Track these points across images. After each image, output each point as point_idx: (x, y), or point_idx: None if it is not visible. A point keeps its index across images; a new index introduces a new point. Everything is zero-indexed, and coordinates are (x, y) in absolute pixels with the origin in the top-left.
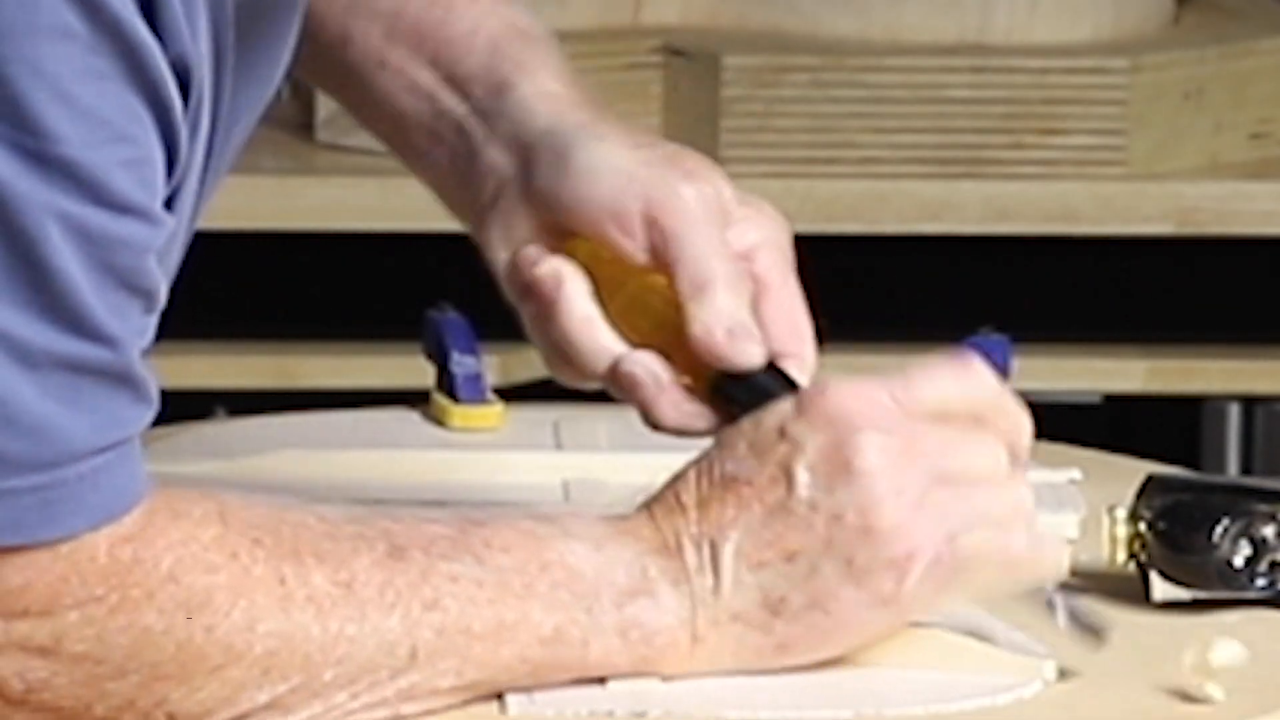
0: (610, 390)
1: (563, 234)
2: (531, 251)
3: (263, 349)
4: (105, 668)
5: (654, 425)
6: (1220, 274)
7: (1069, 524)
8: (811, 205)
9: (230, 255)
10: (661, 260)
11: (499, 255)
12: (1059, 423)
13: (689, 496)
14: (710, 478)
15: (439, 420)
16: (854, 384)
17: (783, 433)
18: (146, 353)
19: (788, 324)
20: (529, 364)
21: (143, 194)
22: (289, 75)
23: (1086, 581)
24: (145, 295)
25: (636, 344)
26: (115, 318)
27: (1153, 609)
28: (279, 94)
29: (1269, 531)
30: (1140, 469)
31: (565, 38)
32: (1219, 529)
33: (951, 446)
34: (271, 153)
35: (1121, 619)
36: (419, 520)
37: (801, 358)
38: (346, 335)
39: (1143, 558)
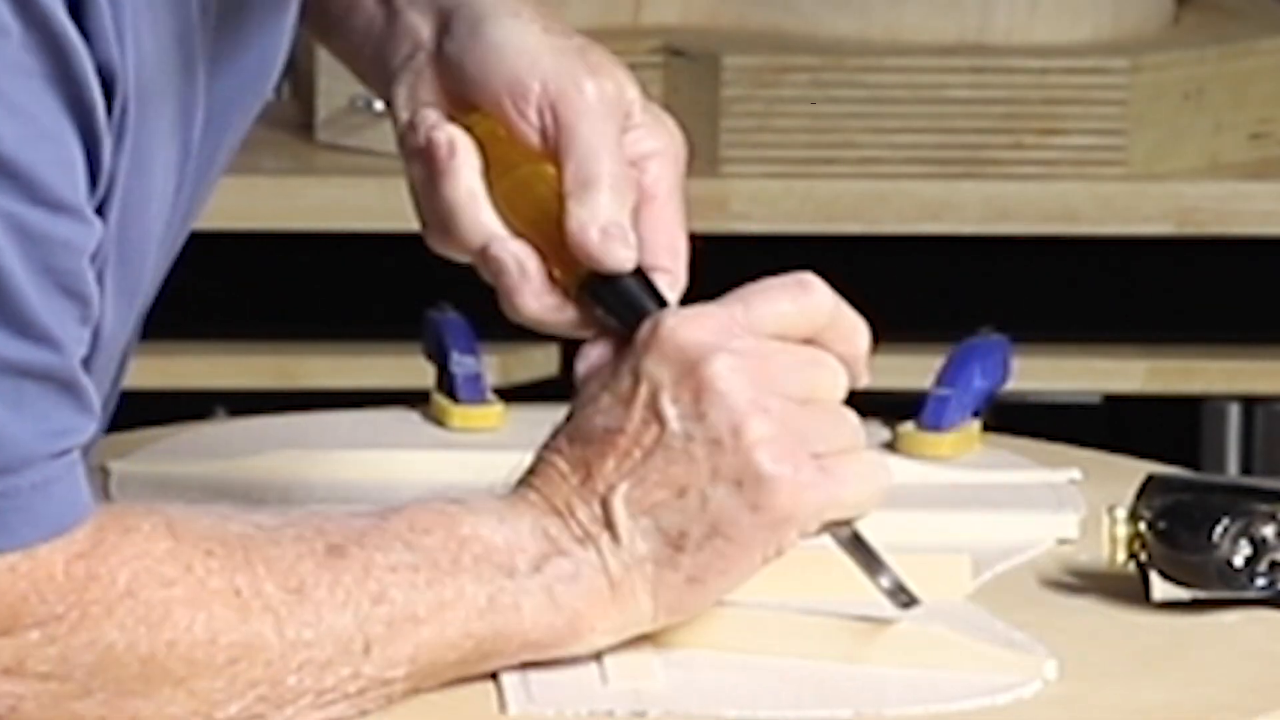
0: (479, 270)
1: (465, 106)
2: (431, 115)
3: (263, 349)
4: (71, 686)
5: (513, 314)
6: (1220, 274)
7: (1069, 524)
8: (811, 205)
9: (230, 255)
10: (553, 149)
11: (401, 115)
12: (1059, 423)
13: (565, 463)
14: (582, 438)
15: (439, 420)
16: (694, 312)
17: (637, 374)
18: (87, 365)
19: (665, 238)
20: (529, 364)
21: (74, 194)
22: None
23: (1086, 581)
24: (82, 302)
25: (517, 229)
26: (56, 322)
27: (1153, 609)
28: (279, 94)
29: (1269, 531)
30: (1140, 469)
31: None
32: (1219, 529)
33: (799, 368)
34: (271, 153)
35: (1121, 619)
36: (346, 516)
37: (674, 274)
38: (346, 335)
39: (1143, 558)
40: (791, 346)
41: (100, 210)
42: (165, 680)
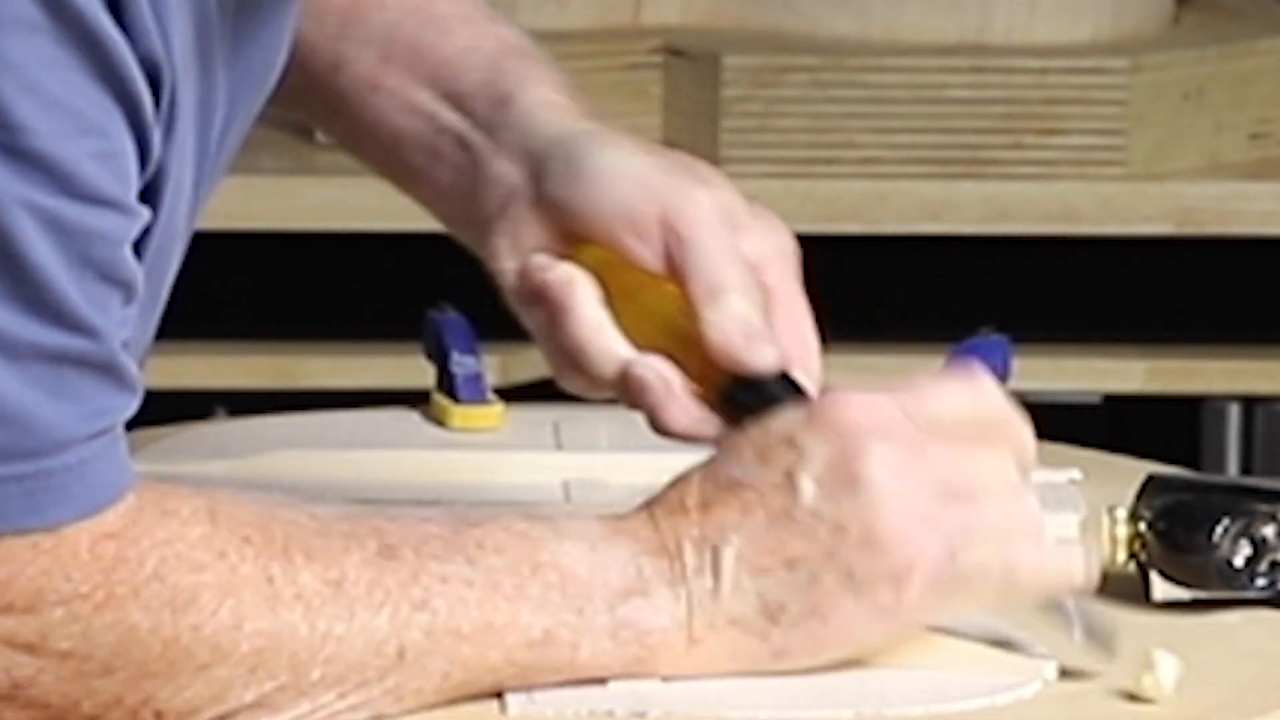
0: (619, 396)
1: (572, 242)
2: (542, 259)
3: (263, 349)
4: (91, 665)
5: (662, 430)
6: (1220, 274)
7: (1069, 524)
8: (811, 205)
9: (230, 255)
10: (675, 267)
11: (506, 265)
12: (1059, 423)
13: (692, 498)
14: (714, 481)
15: (439, 420)
16: (864, 395)
17: (790, 441)
18: (128, 344)
19: (796, 335)
20: (529, 364)
21: (115, 186)
22: (274, 99)
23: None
24: (123, 286)
25: (647, 352)
26: (95, 309)
27: (1153, 609)
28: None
29: (1269, 531)
30: (1140, 469)
31: (565, 38)
32: (1219, 529)
33: (959, 461)
34: (271, 153)
35: (1121, 619)
36: (414, 520)
37: (809, 369)
38: (346, 335)
39: (1143, 558)
40: (953, 440)
41: (152, 199)
42: (187, 665)
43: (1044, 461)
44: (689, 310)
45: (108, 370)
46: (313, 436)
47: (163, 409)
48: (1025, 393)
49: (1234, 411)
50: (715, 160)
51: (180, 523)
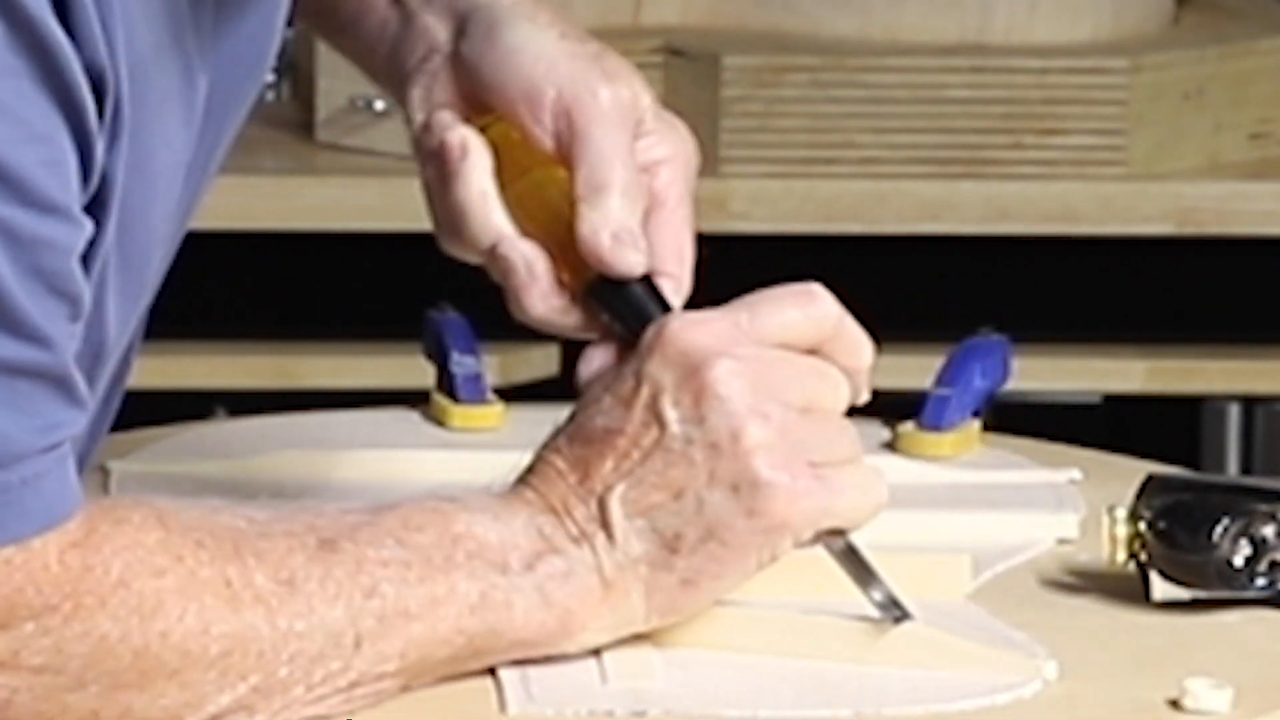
0: (488, 270)
1: (480, 108)
2: (445, 116)
3: (263, 349)
4: (64, 679)
5: (520, 314)
6: (1220, 274)
7: (1069, 524)
8: (811, 205)
9: (230, 255)
10: (566, 154)
11: (416, 116)
12: (1059, 423)
13: (564, 462)
14: (582, 439)
15: (439, 420)
16: (699, 317)
17: (639, 377)
18: (76, 362)
19: (673, 244)
20: (529, 364)
21: (63, 195)
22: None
23: (1086, 581)
24: (71, 301)
25: (527, 231)
26: (47, 320)
27: (1153, 609)
28: (279, 94)
29: (1269, 531)
30: (1140, 469)
31: None
32: (1219, 529)
33: (800, 377)
34: (271, 153)
35: (1121, 619)
36: (338, 511)
37: (679, 280)
38: (346, 335)
39: (1143, 557)
40: (794, 356)
41: (97, 211)
42: (159, 672)
43: (1044, 461)
44: (574, 198)
45: (60, 384)
46: (313, 436)
47: (163, 409)
48: (1025, 393)
49: (1234, 411)
50: (715, 160)
51: (134, 529)
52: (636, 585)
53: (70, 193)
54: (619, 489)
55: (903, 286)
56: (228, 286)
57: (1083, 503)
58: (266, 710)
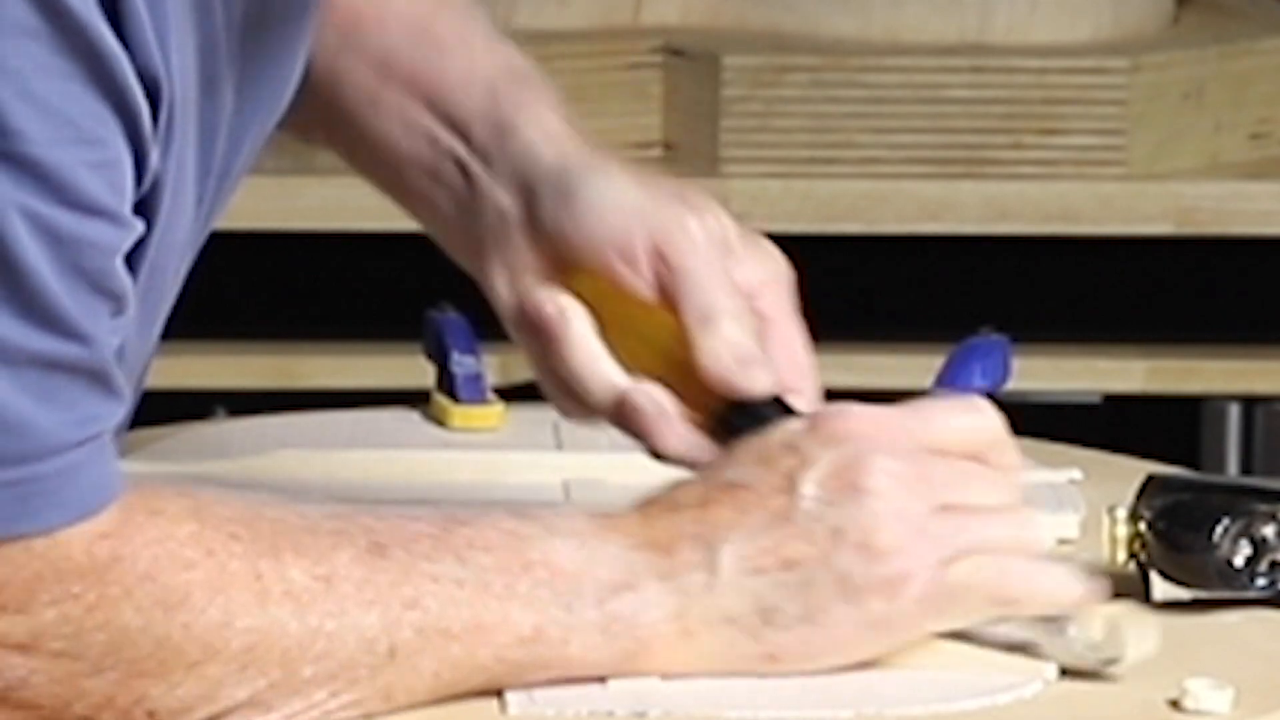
0: (615, 425)
1: (567, 271)
2: (537, 289)
3: (263, 349)
4: (83, 665)
5: (659, 455)
6: (1220, 274)
7: (1069, 524)
8: (811, 205)
9: (230, 255)
10: (667, 294)
11: (502, 293)
12: (1059, 423)
13: (688, 497)
14: (713, 482)
15: (439, 420)
16: (868, 408)
17: (792, 447)
18: (119, 355)
19: (792, 360)
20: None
21: (110, 196)
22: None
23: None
24: (114, 298)
25: (643, 380)
26: (87, 317)
27: (1153, 609)
28: None
29: (1269, 531)
30: (1140, 469)
31: (565, 38)
32: (1219, 529)
33: (960, 478)
34: (271, 153)
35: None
36: (403, 518)
37: (805, 393)
38: (346, 335)
39: (1143, 558)
40: (954, 459)
41: (146, 213)
42: (178, 663)
43: (1044, 461)
44: (683, 338)
45: (98, 378)
46: (313, 436)
47: (163, 409)
48: (1025, 393)
49: (1234, 411)
50: (715, 160)
51: (168, 521)
52: (717, 646)
53: (121, 194)
54: (733, 539)
55: (903, 286)
56: (228, 286)
57: (1083, 503)
58: (285, 709)
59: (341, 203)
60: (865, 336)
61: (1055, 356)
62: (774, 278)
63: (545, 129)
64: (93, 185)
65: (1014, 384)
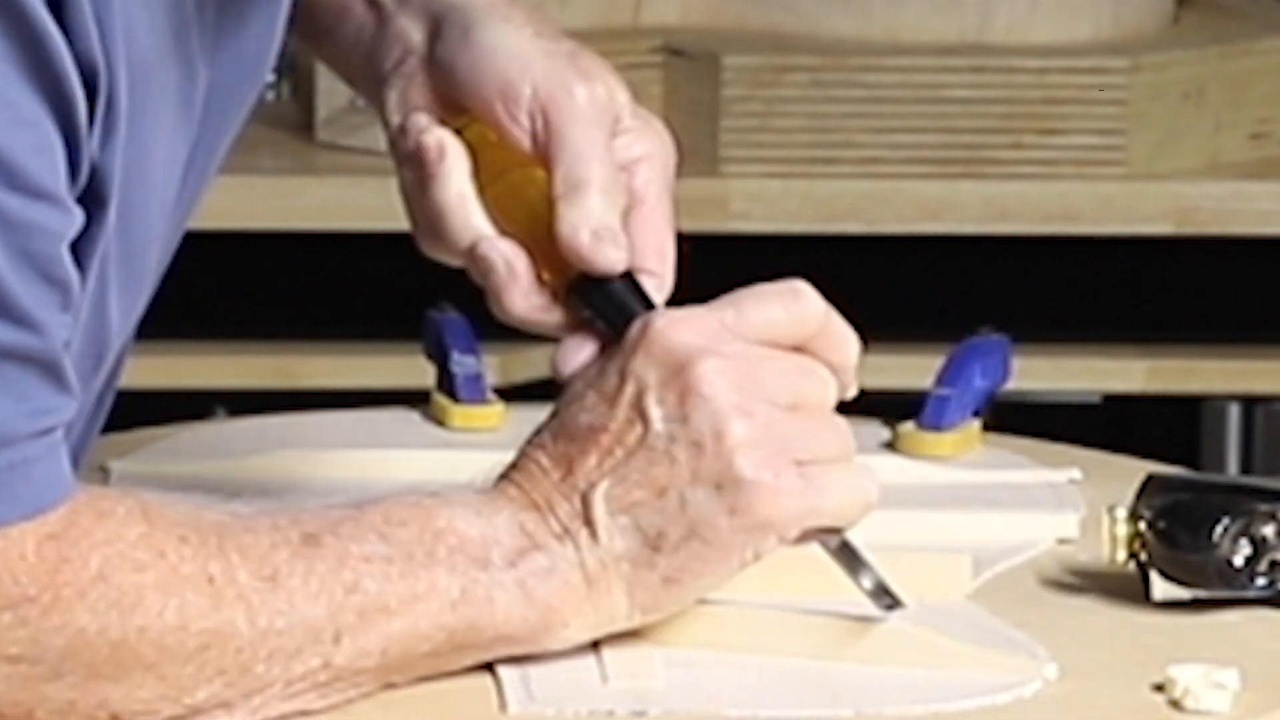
0: (469, 271)
1: (456, 110)
2: (421, 119)
3: (263, 349)
4: (41, 669)
5: (501, 313)
6: (1220, 274)
7: (1069, 524)
8: (811, 205)
9: (230, 255)
10: (543, 153)
11: (392, 119)
12: (1059, 423)
13: (547, 458)
14: (566, 435)
15: (439, 420)
16: (683, 314)
17: (623, 374)
18: (67, 347)
19: (654, 242)
20: (529, 364)
21: (53, 181)
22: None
23: (1086, 581)
24: (62, 287)
25: (507, 232)
26: (37, 305)
27: (1153, 608)
28: (278, 94)
29: (1269, 531)
30: (1140, 469)
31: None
32: (1219, 528)
33: (786, 375)
34: (271, 153)
35: (1121, 619)
36: (321, 507)
37: (661, 277)
38: (346, 335)
39: (1143, 557)
40: (780, 353)
41: (94, 205)
42: (136, 665)
43: (1044, 461)
44: (552, 198)
45: (50, 370)
46: (313, 436)
47: (163, 409)
48: (1025, 393)
49: (1234, 411)
50: (715, 160)
51: (117, 523)
52: (619, 583)
53: (59, 180)
54: (602, 486)
55: (903, 286)
56: (228, 286)
57: (1083, 503)
58: (244, 706)
59: (341, 203)
60: (865, 336)
61: (1055, 356)
62: (654, 155)
63: None
64: (37, 169)
65: (1014, 384)
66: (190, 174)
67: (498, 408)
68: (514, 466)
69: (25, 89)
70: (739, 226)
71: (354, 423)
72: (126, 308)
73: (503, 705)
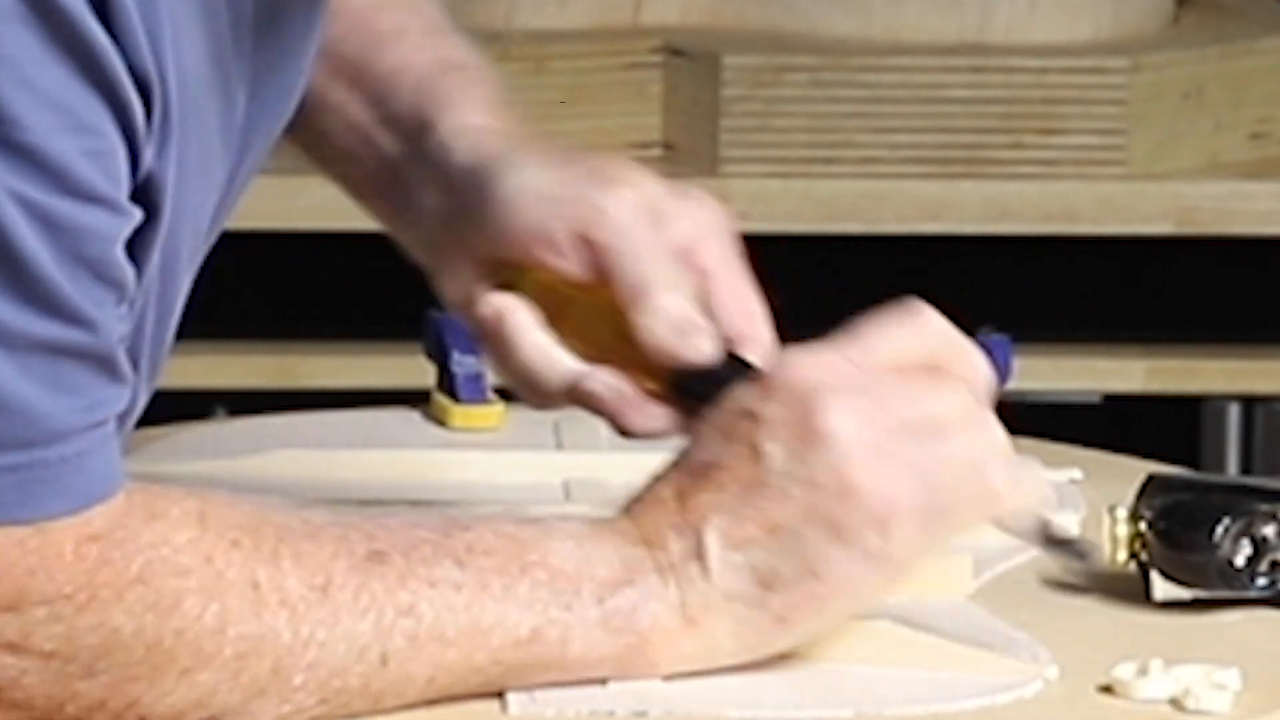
0: (580, 407)
1: (503, 266)
2: (476, 292)
3: (263, 349)
4: (75, 666)
5: (625, 434)
6: (1220, 274)
7: (1069, 524)
8: (811, 205)
9: (230, 255)
10: (601, 275)
11: (451, 298)
12: (1059, 423)
13: (666, 490)
14: (686, 470)
15: (439, 420)
16: (809, 353)
17: (747, 413)
18: (124, 343)
19: (739, 309)
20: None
21: (106, 184)
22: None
23: (1086, 581)
24: (116, 285)
25: (594, 360)
26: (90, 303)
27: (1153, 608)
28: None
29: (1269, 531)
30: (1140, 469)
31: (565, 38)
32: (1219, 528)
33: (914, 395)
34: (271, 153)
35: (1121, 619)
36: (405, 525)
37: (757, 339)
38: (346, 335)
39: (1143, 557)
40: (905, 377)
41: (149, 213)
42: (170, 668)
43: (1044, 461)
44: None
45: (104, 364)
46: (313, 436)
47: (163, 409)
48: (1025, 393)
49: (1234, 411)
50: (715, 160)
51: (168, 526)
52: (727, 624)
53: (117, 183)
54: (715, 521)
55: (903, 286)
56: (228, 286)
57: (1083, 503)
58: (273, 713)
59: (341, 203)
60: None
61: (1055, 356)
62: (710, 230)
63: (462, 124)
64: (89, 173)
65: (1014, 384)
66: (225, 200)
67: (498, 408)
68: (636, 498)
69: (83, 94)
70: (739, 226)
71: (354, 423)
72: (161, 318)
73: (503, 706)
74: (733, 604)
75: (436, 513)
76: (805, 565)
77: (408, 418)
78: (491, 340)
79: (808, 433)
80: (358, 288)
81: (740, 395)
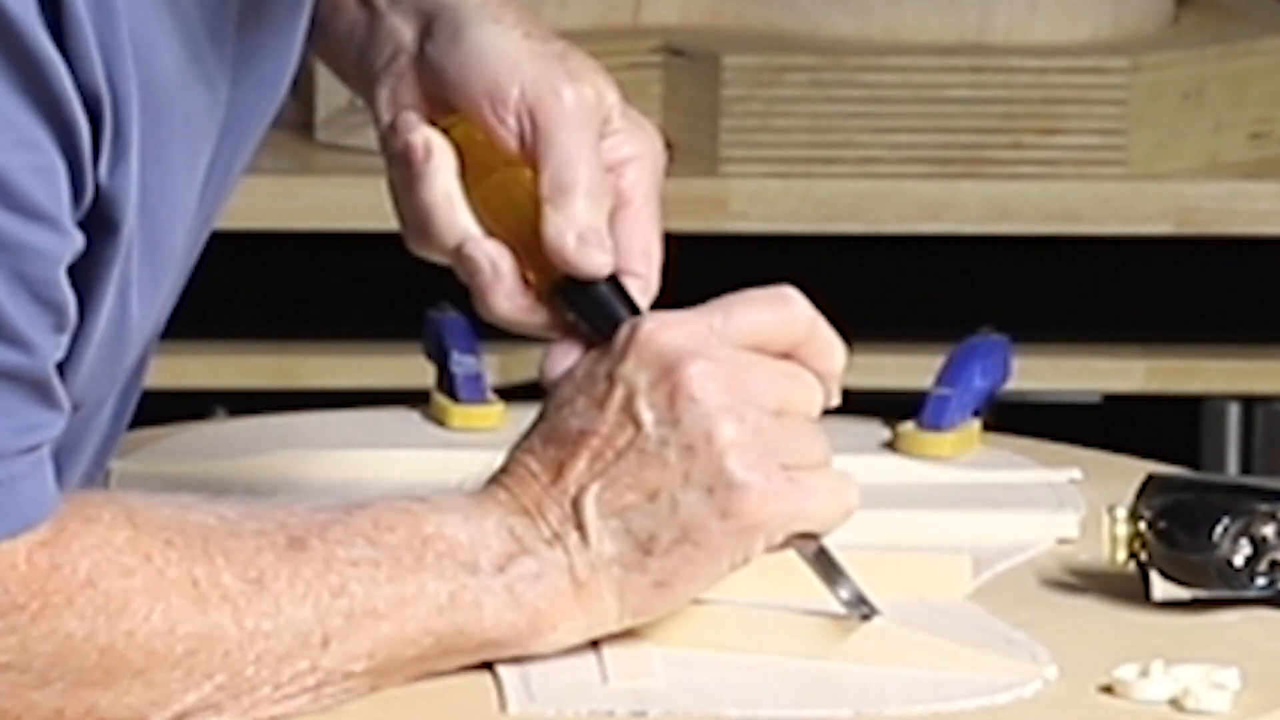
0: (455, 271)
1: (445, 110)
2: (410, 118)
3: (263, 349)
4: (29, 676)
5: (486, 313)
6: (1220, 274)
7: (1069, 524)
8: (811, 205)
9: (230, 255)
10: (530, 155)
11: (383, 117)
12: (1059, 423)
13: (537, 463)
14: (555, 438)
15: (439, 420)
16: (673, 318)
17: (612, 378)
18: (58, 369)
19: (639, 243)
20: (529, 364)
21: (51, 203)
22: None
23: (1086, 581)
24: (55, 310)
25: (493, 232)
26: (29, 325)
27: (1153, 608)
28: None
29: (1269, 531)
30: (1140, 469)
31: (565, 37)
32: (1219, 528)
33: (774, 380)
34: (271, 153)
35: (1121, 619)
36: (309, 510)
37: (646, 279)
38: (346, 335)
39: (1143, 557)
40: (768, 359)
41: (103, 231)
42: (124, 671)
43: (1044, 461)
44: (539, 199)
45: (39, 388)
46: (313, 436)
47: (163, 409)
48: (1025, 393)
49: (1234, 411)
50: (715, 160)
51: (104, 528)
52: (610, 586)
53: (59, 202)
54: (593, 489)
55: (903, 286)
56: (227, 286)
57: (1083, 503)
58: (234, 709)
59: (341, 203)
60: (865, 336)
61: (1055, 356)
62: (642, 156)
63: None
64: (35, 190)
65: (1014, 384)
66: (208, 187)
67: (498, 408)
68: (503, 470)
69: (25, 111)
70: (739, 226)
71: (354, 423)
72: (146, 322)
73: (503, 705)
74: (613, 568)
75: (331, 499)
76: (683, 530)
77: (407, 418)
78: (408, 168)
79: (677, 397)
80: (357, 288)
81: (604, 360)
